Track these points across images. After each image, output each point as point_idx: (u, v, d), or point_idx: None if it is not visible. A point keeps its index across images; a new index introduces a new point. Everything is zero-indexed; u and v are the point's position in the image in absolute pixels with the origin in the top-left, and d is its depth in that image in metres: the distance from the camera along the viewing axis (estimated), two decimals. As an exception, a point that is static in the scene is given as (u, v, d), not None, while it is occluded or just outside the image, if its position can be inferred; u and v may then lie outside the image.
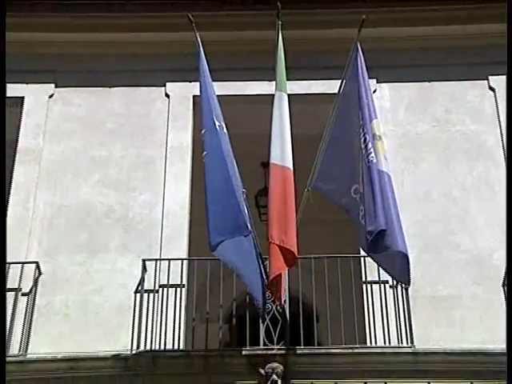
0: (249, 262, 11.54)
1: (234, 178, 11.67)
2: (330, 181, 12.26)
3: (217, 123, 11.83)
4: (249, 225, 11.08)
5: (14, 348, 12.50)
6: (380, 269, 12.32)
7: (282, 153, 12.06)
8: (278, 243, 11.25)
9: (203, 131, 11.84)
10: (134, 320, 12.53)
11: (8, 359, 12.00)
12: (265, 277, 11.57)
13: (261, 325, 12.23)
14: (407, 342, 12.31)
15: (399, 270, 11.36)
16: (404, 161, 14.10)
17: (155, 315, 12.68)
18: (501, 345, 11.99)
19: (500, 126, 14.31)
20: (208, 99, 12.11)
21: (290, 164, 11.99)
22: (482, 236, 13.47)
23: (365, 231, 11.11)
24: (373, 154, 11.56)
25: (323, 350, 12.42)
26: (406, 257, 11.00)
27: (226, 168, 11.39)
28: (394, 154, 13.81)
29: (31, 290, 12.95)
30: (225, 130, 12.05)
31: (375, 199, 11.18)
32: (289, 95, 12.63)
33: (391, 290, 12.72)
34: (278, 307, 12.22)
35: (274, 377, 11.78)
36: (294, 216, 11.60)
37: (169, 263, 12.71)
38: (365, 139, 11.71)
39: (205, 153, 11.63)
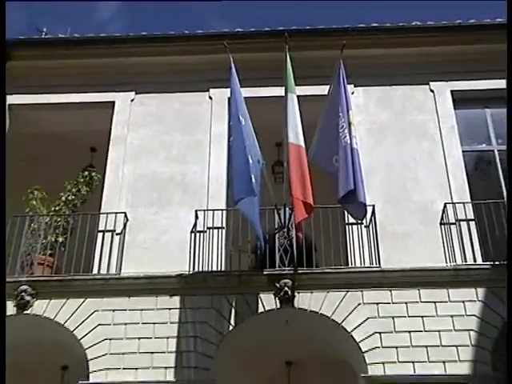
0: (254, 213, 11.68)
1: (254, 155, 11.92)
2: (321, 153, 12.32)
3: (241, 118, 12.01)
4: (256, 190, 11.37)
5: (112, 269, 12.77)
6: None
7: (296, 135, 12.29)
8: (301, 198, 11.57)
9: (231, 123, 12.19)
10: (190, 251, 12.75)
11: (109, 276, 12.55)
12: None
13: (276, 254, 12.42)
14: (376, 264, 12.45)
15: (359, 213, 11.75)
16: (372, 140, 14.07)
17: (204, 248, 12.84)
18: (438, 264, 12.41)
19: (438, 116, 14.32)
20: (236, 101, 12.29)
21: (302, 143, 12.22)
22: (426, 192, 13.49)
23: (339, 190, 11.45)
24: (347, 136, 11.85)
25: (319, 270, 12.64)
26: (364, 205, 11.47)
27: (245, 151, 11.55)
28: (366, 135, 13.91)
29: (121, 231, 13.18)
30: (248, 122, 12.21)
31: (347, 168, 11.52)
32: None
33: (365, 229, 12.84)
34: (286, 241, 12.47)
35: (286, 289, 12.00)
36: (309, 179, 11.77)
37: (213, 212, 12.96)
38: (342, 125, 11.99)
39: (231, 138, 12.02)
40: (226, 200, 13.59)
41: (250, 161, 11.57)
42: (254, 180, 11.45)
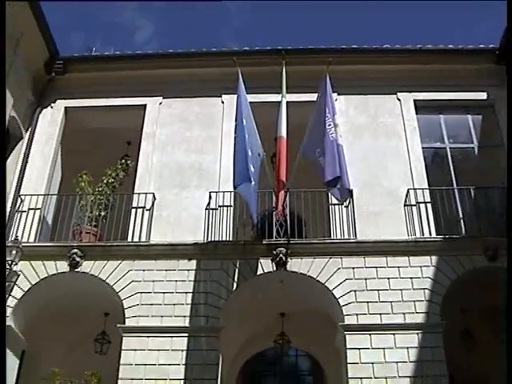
0: (251, 196, 11.46)
1: (254, 148, 11.85)
2: (308, 148, 12.13)
3: (244, 119, 11.92)
4: (252, 178, 11.27)
5: (142, 238, 12.69)
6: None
7: (281, 128, 12.29)
8: (281, 178, 11.72)
9: (236, 123, 12.03)
10: (204, 224, 12.77)
11: (140, 243, 12.53)
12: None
13: (274, 227, 12.36)
14: (353, 236, 12.48)
15: (344, 196, 11.72)
16: (351, 138, 13.82)
17: (216, 222, 12.81)
18: (401, 237, 12.40)
19: (403, 119, 14.20)
20: (241, 105, 12.19)
21: (284, 134, 12.22)
22: (393, 179, 13.39)
23: (326, 175, 11.32)
24: (334, 134, 11.75)
25: (307, 241, 12.65)
26: (348, 190, 11.44)
27: (245, 145, 11.48)
28: (346, 134, 13.56)
29: (150, 208, 13.09)
30: (250, 122, 12.15)
31: (334, 159, 11.40)
32: (287, 101, 12.79)
33: (345, 209, 12.81)
34: (283, 218, 12.34)
35: (281, 255, 12.01)
36: (285, 161, 11.89)
37: (223, 194, 12.92)
38: (330, 124, 11.87)
39: (235, 135, 11.88)
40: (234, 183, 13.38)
41: (250, 153, 11.49)
42: (251, 169, 11.38)
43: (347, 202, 12.61)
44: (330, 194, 12.50)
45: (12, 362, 12.01)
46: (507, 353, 9.55)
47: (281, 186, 11.79)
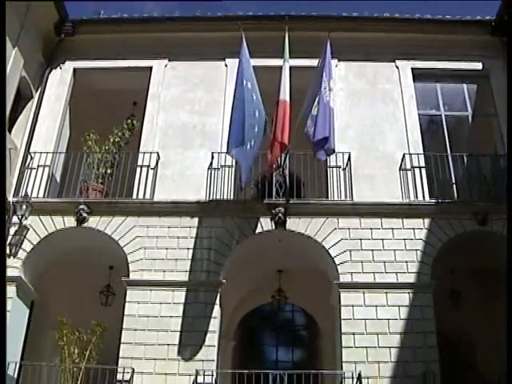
0: (245, 159, 11.40)
1: (255, 111, 11.71)
2: (308, 110, 11.97)
3: (245, 82, 11.79)
4: (247, 141, 11.20)
5: (147, 195, 12.64)
6: (337, 159, 12.56)
7: (284, 92, 12.04)
8: (279, 140, 11.43)
9: (235, 86, 11.92)
10: (207, 183, 12.70)
11: (144, 201, 12.49)
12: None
13: (273, 188, 12.29)
14: (349, 198, 12.45)
15: (327, 153, 11.66)
16: (350, 103, 13.79)
17: (218, 181, 12.75)
18: (396, 200, 12.37)
19: (401, 86, 14.02)
20: (242, 68, 12.06)
21: (288, 98, 11.99)
22: (390, 144, 13.28)
23: (316, 135, 11.27)
24: (328, 96, 11.67)
25: (305, 201, 12.57)
26: (333, 150, 11.48)
27: (243, 108, 11.38)
28: (345, 99, 13.70)
29: (155, 166, 12.99)
30: (252, 85, 11.95)
31: (325, 120, 11.37)
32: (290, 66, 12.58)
33: (342, 171, 12.75)
34: (282, 179, 12.32)
35: (280, 215, 11.99)
36: (288, 125, 11.64)
37: (225, 154, 12.52)
38: (325, 87, 11.77)
39: (233, 98, 11.76)
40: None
41: (248, 116, 11.38)
42: (252, 131, 11.28)
43: (344, 164, 12.60)
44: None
45: (22, 312, 12.15)
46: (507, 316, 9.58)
47: (282, 148, 11.61)
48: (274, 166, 11.88)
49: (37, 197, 12.58)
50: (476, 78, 14.47)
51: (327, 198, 12.60)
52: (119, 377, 10.84)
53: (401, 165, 12.90)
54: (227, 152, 11.50)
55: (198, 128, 13.66)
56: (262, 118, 12.02)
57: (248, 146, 11.26)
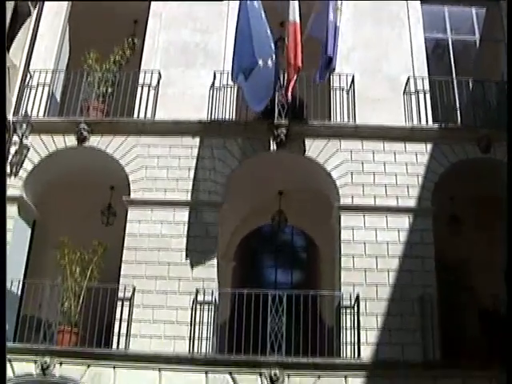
0: (263, 79, 11.00)
1: (263, 28, 11.24)
2: (315, 30, 11.72)
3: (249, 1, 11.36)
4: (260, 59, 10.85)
5: (148, 115, 12.23)
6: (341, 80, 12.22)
7: (294, 14, 11.54)
8: (293, 62, 11.07)
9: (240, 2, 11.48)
10: (208, 103, 12.30)
11: (145, 120, 12.17)
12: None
13: (276, 108, 11.82)
14: (352, 120, 12.09)
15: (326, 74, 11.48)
16: (356, 23, 13.15)
17: (220, 101, 12.34)
18: (399, 123, 12.09)
19: (407, 8, 13.41)
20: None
21: (298, 20, 11.51)
22: (394, 67, 12.80)
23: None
24: (334, 17, 11.41)
25: (307, 122, 12.13)
26: (334, 69, 11.34)
27: (250, 30, 10.97)
28: (351, 19, 13.06)
29: (156, 85, 12.53)
30: (259, 5, 11.46)
31: (329, 40, 11.09)
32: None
33: (346, 93, 12.32)
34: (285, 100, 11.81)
35: (282, 136, 11.70)
36: (300, 48, 11.21)
37: (227, 73, 12.06)
38: (332, 7, 11.45)
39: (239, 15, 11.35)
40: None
41: (255, 36, 11.00)
42: (257, 52, 10.91)
43: (348, 86, 12.27)
44: (331, 78, 12.17)
45: (24, 231, 12.09)
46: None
47: (295, 71, 11.20)
48: (288, 94, 11.37)
49: (37, 116, 12.33)
50: (485, 1, 13.94)
51: (330, 120, 12.29)
52: (120, 295, 10.82)
53: (405, 88, 12.54)
54: (232, 79, 11.22)
55: (200, 46, 13.17)
56: (269, 36, 11.53)
57: (262, 64, 11.00)
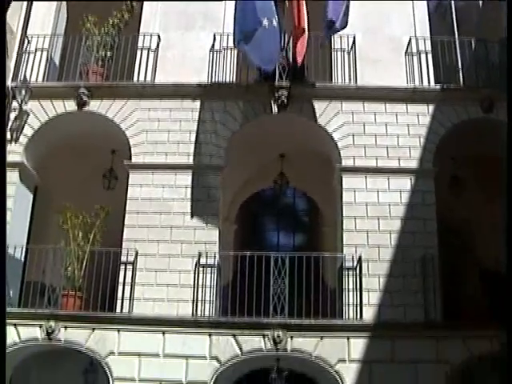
0: (269, 39, 10.70)
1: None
2: None
3: None
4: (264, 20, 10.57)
5: (148, 78, 12.04)
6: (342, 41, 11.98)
7: None
8: (297, 24, 10.97)
9: None
10: (208, 66, 12.09)
11: (145, 83, 11.96)
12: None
13: (276, 70, 11.48)
14: (353, 81, 11.89)
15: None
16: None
17: (220, 64, 12.11)
18: (401, 84, 11.87)
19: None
20: None
21: None
22: (396, 27, 12.49)
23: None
24: None
25: (308, 84, 11.92)
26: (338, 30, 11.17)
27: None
28: None
29: (155, 48, 12.28)
30: None
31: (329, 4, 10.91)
32: None
33: (347, 54, 12.09)
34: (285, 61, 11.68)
35: (283, 98, 11.46)
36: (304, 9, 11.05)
37: (227, 35, 11.81)
38: None
39: None
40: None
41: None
42: (259, 11, 10.60)
43: (349, 47, 12.06)
44: (332, 38, 11.95)
45: (26, 197, 12.03)
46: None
47: (301, 33, 11.03)
48: (298, 58, 11.15)
49: (36, 81, 12.16)
50: (488, -40, 13.66)
51: (331, 81, 12.10)
52: (123, 259, 10.82)
53: (407, 49, 12.31)
54: (234, 44, 10.97)
55: (199, 9, 12.82)
56: None
57: (267, 24, 10.71)
